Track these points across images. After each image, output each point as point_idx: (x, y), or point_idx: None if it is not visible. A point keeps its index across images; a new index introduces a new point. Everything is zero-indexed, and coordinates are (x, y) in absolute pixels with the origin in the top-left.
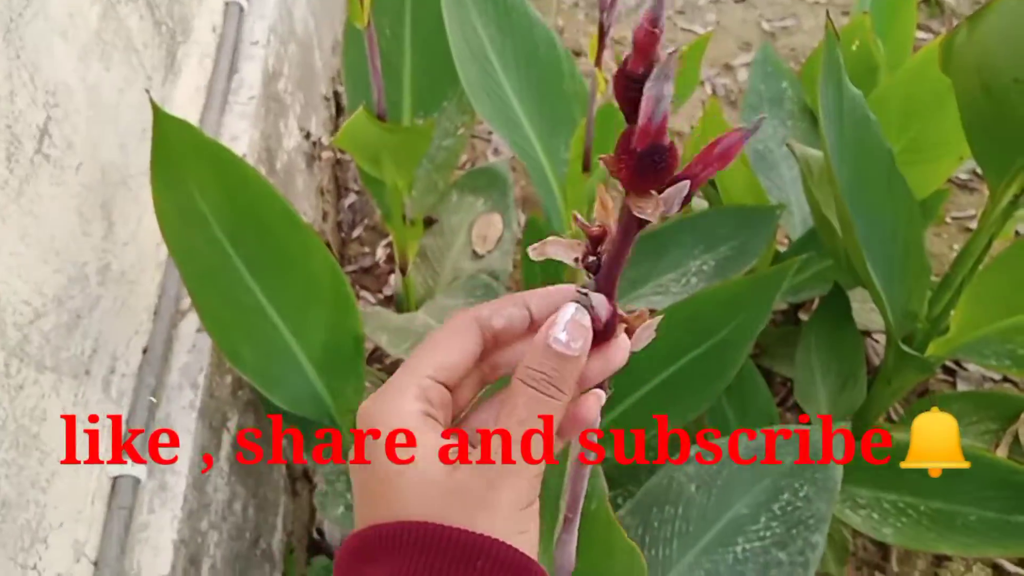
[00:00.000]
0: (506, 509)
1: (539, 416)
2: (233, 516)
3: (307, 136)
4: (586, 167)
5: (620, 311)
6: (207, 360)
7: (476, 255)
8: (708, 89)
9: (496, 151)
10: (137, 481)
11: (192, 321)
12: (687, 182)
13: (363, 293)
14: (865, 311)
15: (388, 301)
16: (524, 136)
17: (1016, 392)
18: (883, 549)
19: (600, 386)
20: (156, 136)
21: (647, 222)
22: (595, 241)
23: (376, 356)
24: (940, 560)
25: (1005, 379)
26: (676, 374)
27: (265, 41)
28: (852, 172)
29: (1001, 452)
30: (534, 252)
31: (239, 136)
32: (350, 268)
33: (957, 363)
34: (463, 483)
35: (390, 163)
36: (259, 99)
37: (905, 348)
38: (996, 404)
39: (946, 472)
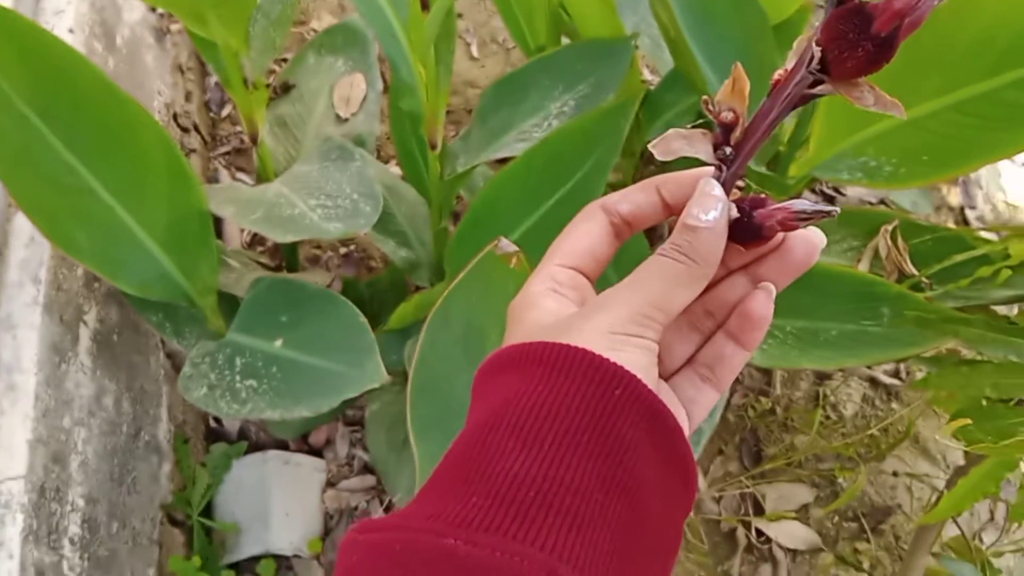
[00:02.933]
0: (591, 330)
1: (661, 275)
2: (103, 411)
3: (153, 8)
4: (424, 6)
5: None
6: (48, 252)
7: (340, 119)
8: None
9: None
10: None
11: None
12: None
13: (239, 175)
14: None
15: None
16: None
17: (883, 209)
18: (767, 374)
19: None
20: None
21: (804, 102)
22: (728, 130)
23: (259, 239)
24: (821, 379)
25: (882, 202)
26: (540, 222)
27: None
28: None
29: (863, 267)
30: (658, 151)
31: (63, 9)
32: (223, 149)
33: (836, 189)
34: (567, 316)
35: (215, 19)
36: None
37: (758, 169)
38: (858, 221)
39: (811, 291)
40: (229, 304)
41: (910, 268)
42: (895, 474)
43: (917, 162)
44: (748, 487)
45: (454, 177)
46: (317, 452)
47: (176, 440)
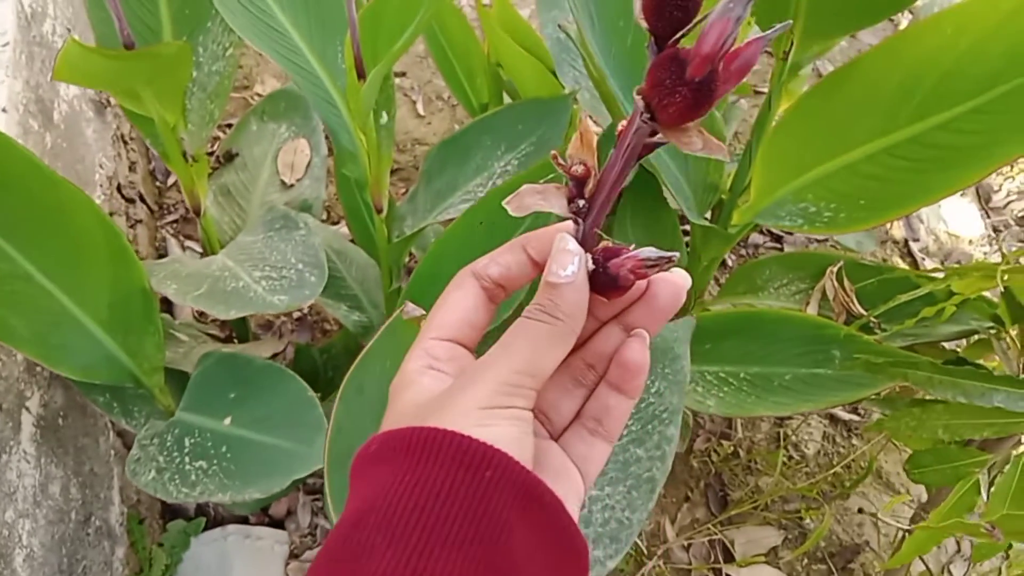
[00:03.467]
0: (460, 408)
1: (527, 339)
2: (50, 499)
3: None
4: (360, 75)
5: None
6: None
7: (285, 185)
8: None
9: None
10: None
11: None
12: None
13: (188, 243)
14: None
15: None
16: (292, 47)
17: (827, 250)
18: (727, 418)
19: None
20: None
21: (649, 151)
22: (580, 183)
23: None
24: (781, 419)
25: (827, 240)
26: None
27: None
28: (614, 45)
29: (811, 310)
30: (512, 207)
31: None
32: (171, 217)
33: (786, 231)
34: (440, 393)
35: (150, 96)
36: (16, 44)
37: (696, 220)
38: (805, 264)
39: (763, 337)
40: (178, 380)
41: (858, 308)
42: (860, 511)
43: (855, 207)
44: (716, 533)
45: (403, 239)
46: (278, 523)
47: (130, 522)
